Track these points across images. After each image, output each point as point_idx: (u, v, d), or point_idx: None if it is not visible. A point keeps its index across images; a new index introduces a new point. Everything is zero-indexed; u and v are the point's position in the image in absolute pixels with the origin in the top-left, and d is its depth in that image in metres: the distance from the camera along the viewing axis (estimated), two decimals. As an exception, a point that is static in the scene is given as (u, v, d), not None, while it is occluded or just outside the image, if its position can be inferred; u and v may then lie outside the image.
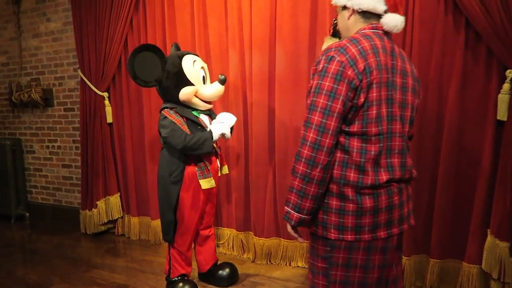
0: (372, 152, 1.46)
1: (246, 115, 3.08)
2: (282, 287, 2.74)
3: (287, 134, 2.91)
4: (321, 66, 1.45)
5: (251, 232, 3.17)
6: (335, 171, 1.49)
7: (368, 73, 1.42)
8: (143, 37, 3.40)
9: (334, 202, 1.50)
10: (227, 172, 2.73)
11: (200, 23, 3.14)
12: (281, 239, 3.05)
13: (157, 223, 3.53)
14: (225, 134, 2.47)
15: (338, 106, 1.41)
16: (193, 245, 2.71)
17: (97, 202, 3.69)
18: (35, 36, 4.14)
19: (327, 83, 1.42)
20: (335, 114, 1.41)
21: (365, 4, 1.51)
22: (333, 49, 1.46)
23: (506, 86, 2.26)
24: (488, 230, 2.39)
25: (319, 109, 1.42)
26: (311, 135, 1.43)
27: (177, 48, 2.65)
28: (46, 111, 4.21)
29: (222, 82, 2.50)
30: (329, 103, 1.41)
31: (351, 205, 1.48)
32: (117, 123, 3.67)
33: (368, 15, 1.54)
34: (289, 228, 1.60)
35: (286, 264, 3.05)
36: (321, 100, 1.42)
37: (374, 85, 1.43)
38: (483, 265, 2.39)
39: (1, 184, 4.33)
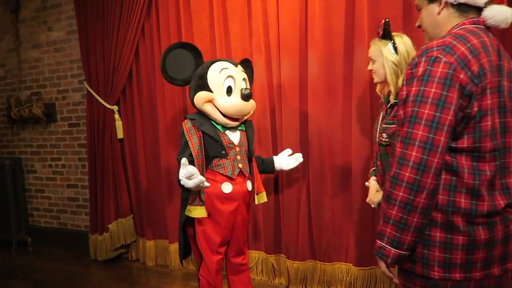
0: (488, 173, 1.20)
1: (274, 126, 2.81)
2: (327, 318, 2.47)
3: (322, 146, 2.65)
4: (421, 69, 1.18)
5: (283, 255, 2.89)
6: (440, 197, 1.21)
7: (483, 76, 1.16)
8: (156, 45, 3.13)
9: (439, 234, 1.23)
10: (265, 200, 2.42)
11: (221, 28, 2.89)
12: (318, 261, 2.77)
13: (175, 247, 3.24)
14: (183, 185, 1.96)
15: (449, 117, 1.14)
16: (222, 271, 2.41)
17: (109, 226, 3.38)
18: (35, 47, 3.85)
19: (433, 90, 1.15)
20: (445, 128, 1.15)
21: None
22: (434, 48, 1.19)
23: None
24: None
25: (423, 122, 1.15)
26: (414, 153, 1.16)
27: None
28: (48, 127, 3.91)
29: (244, 97, 2.18)
30: (437, 114, 1.14)
31: (461, 237, 1.21)
32: (128, 139, 3.38)
33: (465, 8, 1.28)
34: (383, 267, 1.32)
35: (324, 289, 2.77)
36: (426, 111, 1.15)
37: (488, 91, 1.18)
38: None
39: (1, 207, 3.99)
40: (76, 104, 3.73)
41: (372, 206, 2.05)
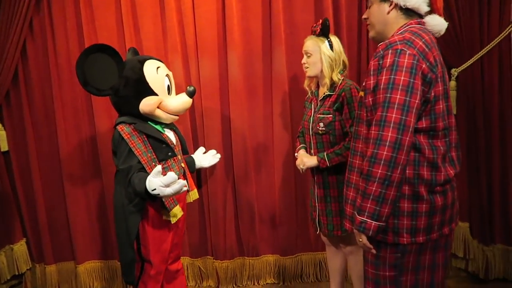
0: (441, 148, 1.43)
1: (195, 127, 2.77)
2: (264, 310, 2.54)
3: (245, 144, 2.72)
4: (388, 60, 1.36)
5: (210, 257, 2.86)
6: (407, 171, 1.40)
7: (436, 67, 1.39)
8: (50, 43, 2.76)
9: (406, 205, 1.42)
10: (197, 197, 2.37)
11: (130, 25, 2.71)
12: (246, 257, 2.82)
13: (85, 267, 2.91)
14: (158, 195, 1.83)
15: (417, 101, 1.34)
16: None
17: (-5, 255, 2.84)
18: None
19: (402, 78, 1.33)
20: (414, 110, 1.34)
21: (412, 1, 1.47)
22: (398, 43, 1.38)
23: (452, 83, 2.52)
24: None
25: (396, 106, 1.32)
26: (389, 134, 1.32)
27: (135, 53, 2.24)
28: None
29: (191, 94, 2.16)
30: (407, 98, 1.32)
31: (424, 205, 1.42)
32: (16, 152, 2.89)
33: (410, 12, 1.51)
34: (364, 239, 1.44)
35: (254, 284, 2.83)
36: (398, 96, 1.32)
37: (439, 79, 1.41)
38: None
39: None
40: None
41: (301, 168, 2.17)
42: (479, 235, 2.59)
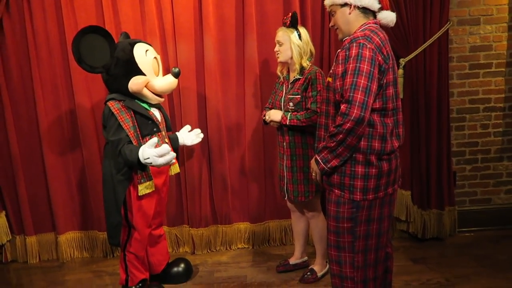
0: (390, 125, 1.79)
1: (173, 106, 2.99)
2: (238, 268, 2.86)
3: (220, 122, 2.98)
4: (354, 51, 1.69)
5: (186, 225, 3.13)
6: (362, 143, 1.76)
7: (388, 59, 1.74)
8: (28, 21, 2.84)
9: (360, 169, 1.78)
10: (178, 171, 2.62)
11: (109, 8, 2.84)
12: (219, 225, 3.12)
13: (66, 238, 3.09)
14: (151, 163, 2.07)
15: (375, 86, 1.69)
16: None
17: (-25, 228, 2.95)
18: None
19: (365, 66, 1.66)
20: (373, 93, 1.69)
21: (365, 0, 1.81)
22: (360, 38, 1.71)
23: (400, 71, 2.91)
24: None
25: (361, 89, 1.66)
26: (355, 111, 1.66)
27: (127, 37, 2.42)
28: None
29: (176, 75, 2.39)
30: (369, 83, 1.66)
31: (373, 170, 1.78)
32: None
33: (366, 11, 1.84)
34: (319, 175, 1.89)
35: (226, 249, 3.15)
36: (362, 81, 1.66)
37: (390, 69, 1.76)
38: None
39: None
40: None
41: (266, 118, 2.52)
42: (418, 202, 3.05)
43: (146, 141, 2.26)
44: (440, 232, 3.08)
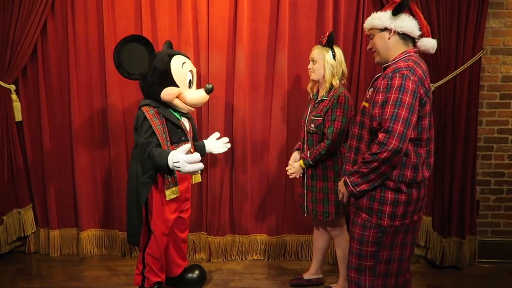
0: (423, 155, 1.80)
1: (200, 114, 3.05)
2: (253, 280, 2.87)
3: (245, 133, 3.02)
4: (397, 82, 1.70)
5: (203, 232, 3.17)
6: (394, 171, 1.77)
7: (428, 92, 1.76)
8: (70, 24, 2.97)
9: (390, 195, 1.78)
10: (200, 180, 2.68)
11: (148, 16, 2.95)
12: (236, 235, 3.15)
13: (86, 235, 3.17)
14: (179, 168, 2.11)
15: (414, 118, 1.71)
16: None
17: (4, 217, 3.05)
18: None
19: (407, 98, 1.67)
20: (412, 125, 1.70)
21: (406, 27, 1.82)
22: (404, 69, 1.73)
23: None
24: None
25: (401, 120, 1.67)
26: (393, 142, 1.66)
27: (170, 46, 2.53)
28: None
29: (208, 91, 2.44)
30: (409, 116, 1.68)
31: (403, 196, 1.79)
32: (29, 122, 3.10)
33: (406, 37, 1.85)
34: (345, 196, 1.91)
35: (242, 259, 3.17)
36: (403, 113, 1.67)
37: (428, 101, 1.77)
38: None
39: None
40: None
41: (290, 172, 2.56)
42: (438, 228, 3.01)
43: (174, 148, 2.33)
44: (459, 261, 3.03)
